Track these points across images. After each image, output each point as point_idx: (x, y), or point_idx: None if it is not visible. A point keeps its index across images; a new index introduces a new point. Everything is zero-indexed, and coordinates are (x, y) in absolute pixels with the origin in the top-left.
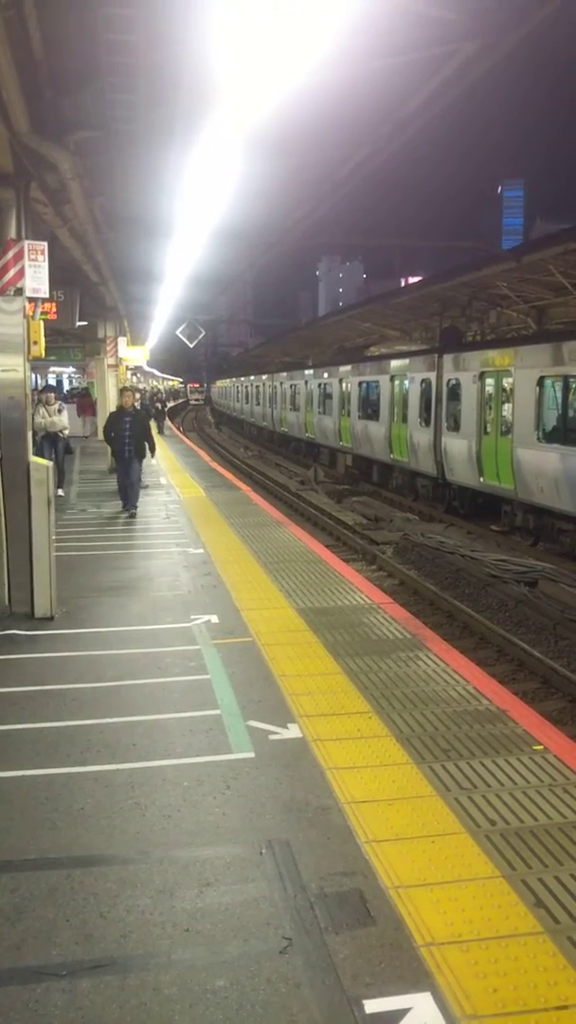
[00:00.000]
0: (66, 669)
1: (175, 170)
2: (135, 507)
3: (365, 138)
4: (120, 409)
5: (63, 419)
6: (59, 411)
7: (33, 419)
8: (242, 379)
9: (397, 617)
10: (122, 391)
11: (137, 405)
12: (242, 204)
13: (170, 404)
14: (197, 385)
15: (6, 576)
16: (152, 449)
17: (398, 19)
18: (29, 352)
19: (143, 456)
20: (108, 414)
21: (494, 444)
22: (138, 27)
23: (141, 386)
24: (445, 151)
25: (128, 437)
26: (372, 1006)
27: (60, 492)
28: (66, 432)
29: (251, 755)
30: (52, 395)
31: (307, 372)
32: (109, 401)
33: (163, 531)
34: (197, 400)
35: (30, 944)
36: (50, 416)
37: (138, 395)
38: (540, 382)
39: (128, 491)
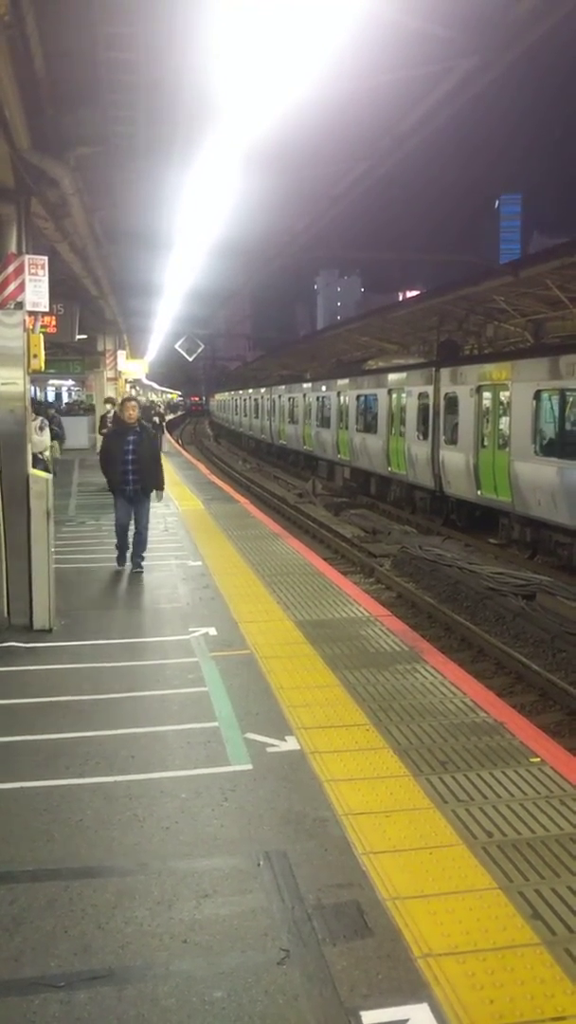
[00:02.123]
0: (65, 681)
1: (175, 185)
2: (142, 561)
3: (363, 153)
4: (121, 425)
5: (44, 439)
6: (40, 429)
7: None
8: (240, 392)
9: (395, 629)
10: (123, 403)
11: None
12: (241, 218)
13: (168, 416)
14: (197, 399)
15: (5, 588)
16: (161, 483)
17: (396, 36)
18: (29, 365)
19: (151, 491)
20: (106, 433)
21: (491, 457)
22: (139, 45)
23: (141, 398)
24: (443, 165)
25: (132, 465)
26: (369, 1017)
27: None
28: (46, 454)
29: (249, 767)
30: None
31: (305, 385)
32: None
33: (161, 544)
34: (197, 410)
35: (28, 955)
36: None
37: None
38: (537, 395)
39: (127, 539)
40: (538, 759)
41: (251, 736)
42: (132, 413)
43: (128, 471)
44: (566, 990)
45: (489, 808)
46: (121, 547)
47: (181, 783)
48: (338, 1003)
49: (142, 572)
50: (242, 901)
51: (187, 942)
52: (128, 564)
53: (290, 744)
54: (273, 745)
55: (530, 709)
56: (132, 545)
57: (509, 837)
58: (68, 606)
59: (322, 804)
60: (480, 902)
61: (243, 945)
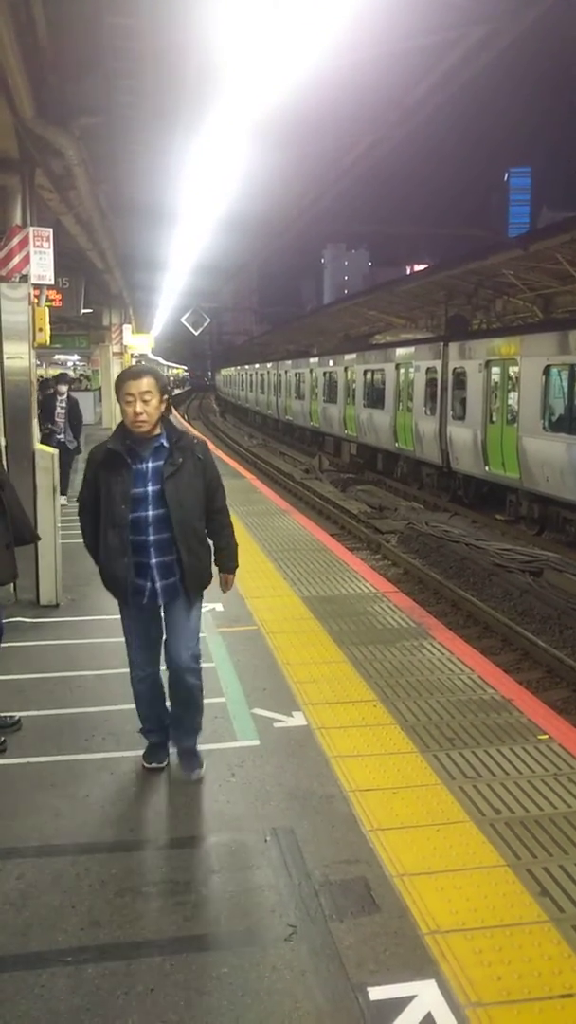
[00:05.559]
0: (71, 656)
1: (180, 157)
2: (196, 747)
3: (371, 125)
4: (121, 438)
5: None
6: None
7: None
8: (247, 367)
9: (402, 606)
10: (120, 382)
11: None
12: (248, 191)
13: (175, 391)
14: (191, 374)
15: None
16: (231, 561)
17: (405, 3)
18: (35, 339)
19: (205, 584)
20: (89, 454)
21: (499, 433)
22: (143, 11)
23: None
24: (452, 138)
25: (153, 534)
26: (377, 993)
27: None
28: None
29: (256, 743)
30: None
31: (312, 360)
32: (113, 396)
33: None
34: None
35: (36, 930)
36: None
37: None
38: (546, 371)
39: (160, 699)
40: (546, 736)
41: (258, 712)
42: (147, 410)
43: (146, 548)
44: (574, 967)
45: (497, 785)
46: (150, 718)
47: None
48: (345, 979)
49: (202, 780)
50: (249, 877)
51: (194, 917)
52: (168, 757)
53: (297, 720)
54: (280, 721)
55: (537, 686)
56: (173, 707)
57: (517, 814)
58: (74, 582)
59: (329, 780)
60: (488, 879)
61: (250, 921)
